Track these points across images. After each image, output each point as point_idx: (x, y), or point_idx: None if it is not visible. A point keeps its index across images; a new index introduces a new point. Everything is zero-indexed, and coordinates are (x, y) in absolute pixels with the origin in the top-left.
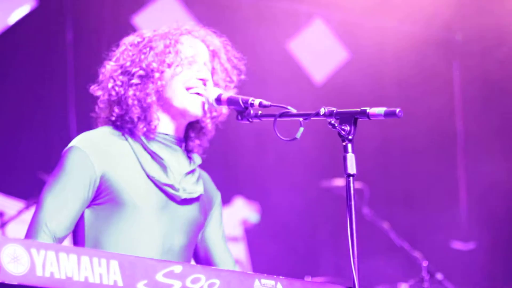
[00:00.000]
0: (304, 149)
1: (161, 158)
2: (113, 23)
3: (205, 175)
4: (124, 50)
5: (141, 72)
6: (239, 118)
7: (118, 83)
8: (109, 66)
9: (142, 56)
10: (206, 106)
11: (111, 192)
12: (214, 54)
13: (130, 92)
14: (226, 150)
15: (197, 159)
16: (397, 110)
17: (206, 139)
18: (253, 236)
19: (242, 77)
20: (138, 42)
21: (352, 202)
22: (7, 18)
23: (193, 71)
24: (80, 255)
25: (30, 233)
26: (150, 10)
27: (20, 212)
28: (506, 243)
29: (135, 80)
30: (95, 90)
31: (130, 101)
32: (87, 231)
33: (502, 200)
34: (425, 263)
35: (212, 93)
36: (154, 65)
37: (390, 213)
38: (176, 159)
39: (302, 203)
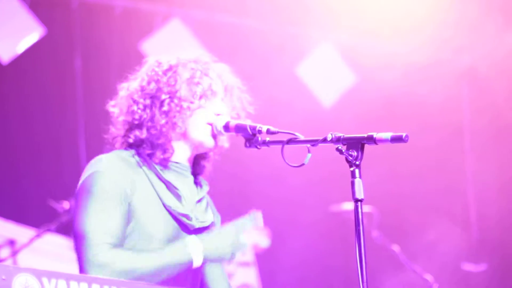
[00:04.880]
0: (313, 174)
1: (176, 188)
2: (122, 49)
3: (209, 199)
4: (148, 71)
5: (169, 100)
6: (247, 145)
7: (141, 106)
8: (131, 85)
9: (172, 82)
10: (222, 141)
11: (133, 217)
12: (226, 91)
13: (162, 121)
14: (236, 175)
15: (205, 186)
16: (404, 134)
17: (210, 162)
18: (263, 261)
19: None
20: (164, 68)
21: (361, 227)
22: (16, 46)
23: (212, 105)
24: (91, 283)
25: (88, 263)
26: (158, 36)
27: (31, 240)
28: None
29: (165, 108)
30: (113, 106)
31: (158, 127)
32: None
33: None
34: (436, 286)
35: (220, 120)
36: (183, 92)
37: (400, 235)
38: (188, 188)
39: (312, 228)
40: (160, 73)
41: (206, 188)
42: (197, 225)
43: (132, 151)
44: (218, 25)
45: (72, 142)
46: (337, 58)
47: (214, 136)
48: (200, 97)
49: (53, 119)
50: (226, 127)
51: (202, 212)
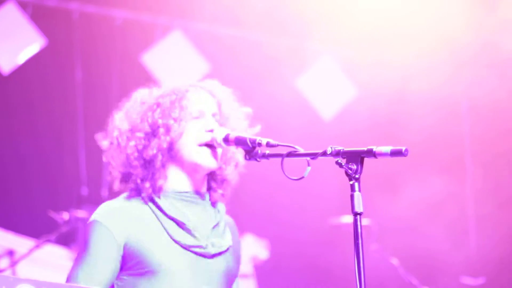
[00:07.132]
0: (313, 187)
1: (183, 223)
2: (122, 61)
3: (229, 220)
4: (134, 104)
5: (148, 129)
6: (247, 157)
7: (124, 138)
8: (118, 120)
9: (149, 113)
10: (220, 152)
11: (137, 257)
12: (219, 104)
13: (130, 148)
14: (236, 187)
15: (222, 209)
16: (403, 148)
17: (229, 188)
18: (262, 272)
19: (245, 123)
20: (148, 99)
21: (360, 241)
22: (17, 57)
23: (200, 124)
24: None
25: None
26: (159, 48)
27: (31, 251)
28: None
29: (139, 134)
30: (102, 139)
31: (131, 157)
32: None
33: (511, 235)
34: None
35: (220, 133)
36: (160, 121)
37: (399, 249)
38: (199, 215)
39: (311, 240)
40: (142, 104)
41: (222, 211)
42: (213, 251)
43: (139, 192)
44: (219, 37)
45: (72, 153)
46: (337, 71)
47: (215, 156)
48: (176, 121)
49: (54, 130)
50: (226, 140)
51: (219, 237)
